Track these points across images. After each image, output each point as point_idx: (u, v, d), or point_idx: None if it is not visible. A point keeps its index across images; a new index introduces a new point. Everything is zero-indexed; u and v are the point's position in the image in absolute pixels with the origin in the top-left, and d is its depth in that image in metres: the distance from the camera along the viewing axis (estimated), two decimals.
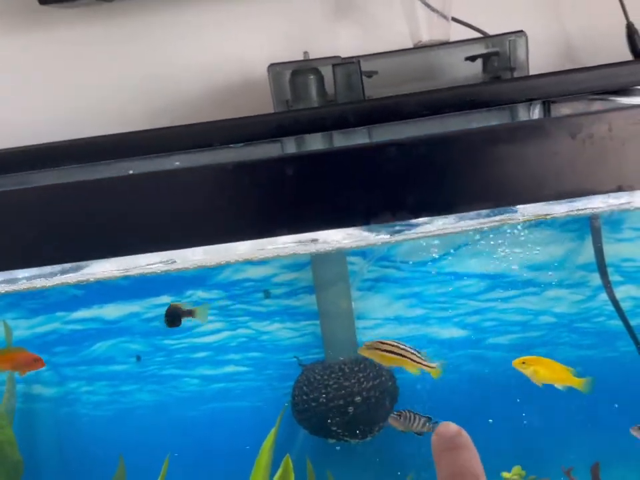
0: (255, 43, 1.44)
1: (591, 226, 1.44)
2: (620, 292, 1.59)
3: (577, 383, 1.33)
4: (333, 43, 1.45)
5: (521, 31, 1.25)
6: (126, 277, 1.28)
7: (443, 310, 1.64)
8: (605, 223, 1.54)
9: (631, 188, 0.86)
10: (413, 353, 1.36)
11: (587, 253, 1.56)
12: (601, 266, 1.45)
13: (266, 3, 1.43)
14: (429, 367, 1.36)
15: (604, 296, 1.59)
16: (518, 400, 1.61)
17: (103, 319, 1.56)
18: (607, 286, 1.47)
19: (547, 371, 1.35)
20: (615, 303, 1.47)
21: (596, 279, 1.59)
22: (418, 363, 1.35)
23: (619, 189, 0.86)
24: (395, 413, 1.35)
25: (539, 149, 0.84)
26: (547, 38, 1.45)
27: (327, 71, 1.27)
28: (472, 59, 1.31)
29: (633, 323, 1.60)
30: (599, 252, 1.44)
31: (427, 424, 1.34)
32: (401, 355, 1.35)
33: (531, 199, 0.86)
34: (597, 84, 1.09)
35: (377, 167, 0.83)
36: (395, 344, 1.36)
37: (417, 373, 1.34)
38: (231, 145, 1.13)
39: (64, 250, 0.86)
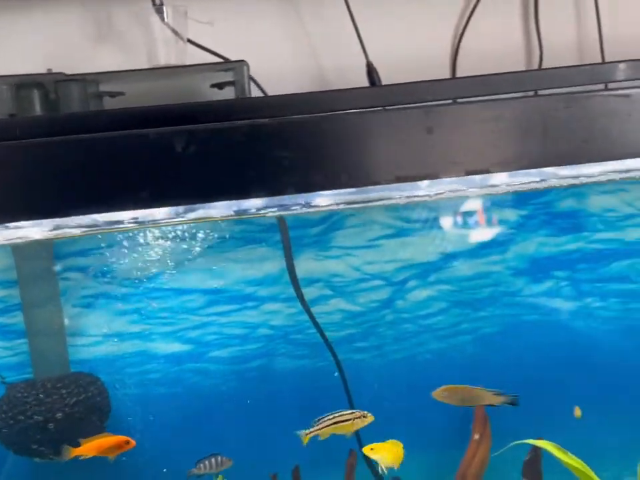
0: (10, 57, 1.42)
1: (282, 241, 1.54)
2: (329, 305, 1.73)
3: None
4: (91, 63, 1.43)
5: (243, 60, 1.36)
6: None
7: (165, 325, 1.66)
8: (313, 243, 1.67)
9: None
10: None
11: (300, 269, 1.67)
12: (294, 280, 1.56)
13: (28, 22, 1.43)
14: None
15: (315, 309, 1.71)
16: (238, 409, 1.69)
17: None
18: (301, 298, 1.58)
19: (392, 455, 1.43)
20: (309, 313, 1.59)
21: (309, 293, 1.70)
22: None
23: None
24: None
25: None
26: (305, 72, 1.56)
27: (53, 86, 1.26)
28: (218, 86, 1.39)
29: (342, 334, 1.74)
30: (290, 264, 1.55)
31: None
32: None
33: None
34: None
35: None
36: None
37: None
38: None
39: None
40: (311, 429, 1.39)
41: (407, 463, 1.74)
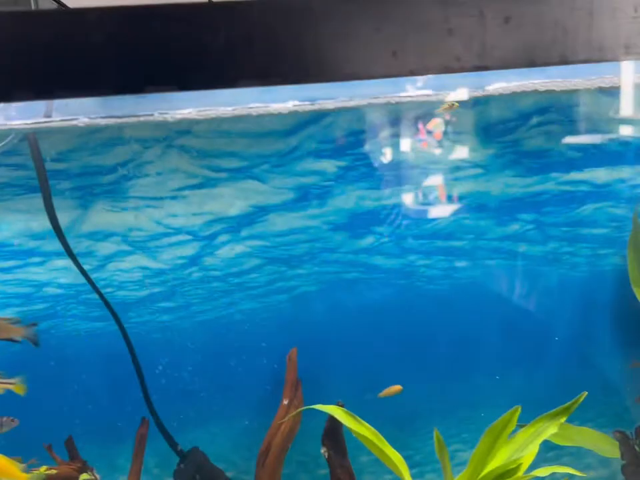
0: None
1: (40, 183, 1.36)
2: (128, 262, 1.56)
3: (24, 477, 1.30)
4: None
5: None
6: None
7: None
8: (106, 192, 1.49)
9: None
10: None
11: (92, 222, 1.50)
12: (56, 228, 1.39)
13: None
14: (9, 384, 1.32)
15: (112, 265, 1.55)
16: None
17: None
18: (71, 255, 1.41)
19: None
20: (80, 267, 1.42)
21: (104, 248, 1.54)
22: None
23: None
24: None
25: None
26: None
27: None
28: None
29: (143, 294, 1.59)
30: (50, 213, 1.37)
31: None
32: None
33: None
34: None
35: None
36: None
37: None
38: None
39: None
40: None
41: (213, 432, 1.63)
